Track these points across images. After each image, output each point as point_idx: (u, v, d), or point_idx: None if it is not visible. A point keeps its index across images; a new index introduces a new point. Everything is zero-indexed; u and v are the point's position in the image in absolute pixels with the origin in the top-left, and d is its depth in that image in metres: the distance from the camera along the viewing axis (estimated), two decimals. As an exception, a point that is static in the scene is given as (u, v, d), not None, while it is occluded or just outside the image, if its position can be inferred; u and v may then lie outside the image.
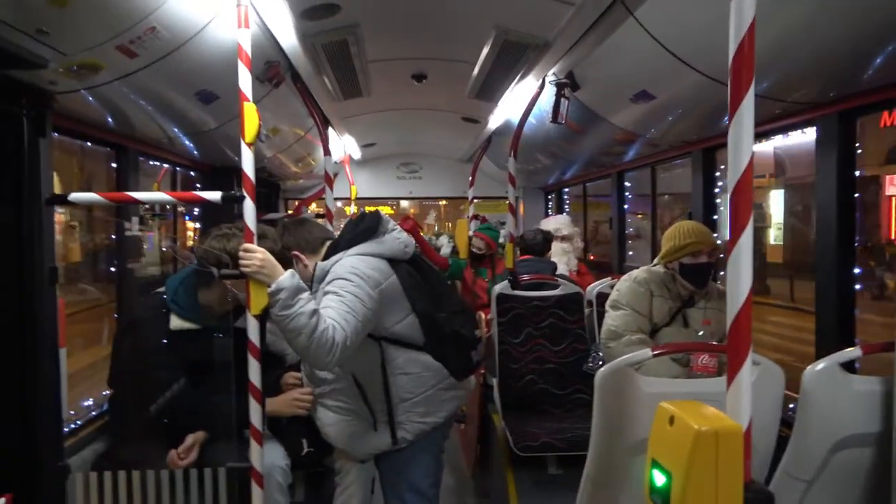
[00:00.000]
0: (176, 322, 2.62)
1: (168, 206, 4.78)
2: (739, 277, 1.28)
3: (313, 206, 6.96)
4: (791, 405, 2.45)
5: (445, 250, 6.91)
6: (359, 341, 2.20)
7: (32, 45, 1.93)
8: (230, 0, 2.41)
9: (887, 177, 8.59)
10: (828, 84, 2.48)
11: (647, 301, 3.10)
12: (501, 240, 5.71)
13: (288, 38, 2.84)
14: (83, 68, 2.24)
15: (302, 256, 2.55)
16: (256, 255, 2.16)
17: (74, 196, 2.37)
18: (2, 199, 2.34)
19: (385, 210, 8.82)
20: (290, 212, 6.92)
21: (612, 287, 3.69)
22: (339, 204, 7.63)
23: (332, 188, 4.14)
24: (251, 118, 2.33)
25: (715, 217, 3.75)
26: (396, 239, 2.48)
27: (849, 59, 2.23)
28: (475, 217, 6.78)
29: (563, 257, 5.05)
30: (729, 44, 1.25)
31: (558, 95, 3.52)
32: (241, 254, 2.21)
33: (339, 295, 2.21)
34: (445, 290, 2.68)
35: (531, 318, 3.77)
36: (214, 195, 2.43)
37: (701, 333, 3.01)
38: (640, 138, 3.94)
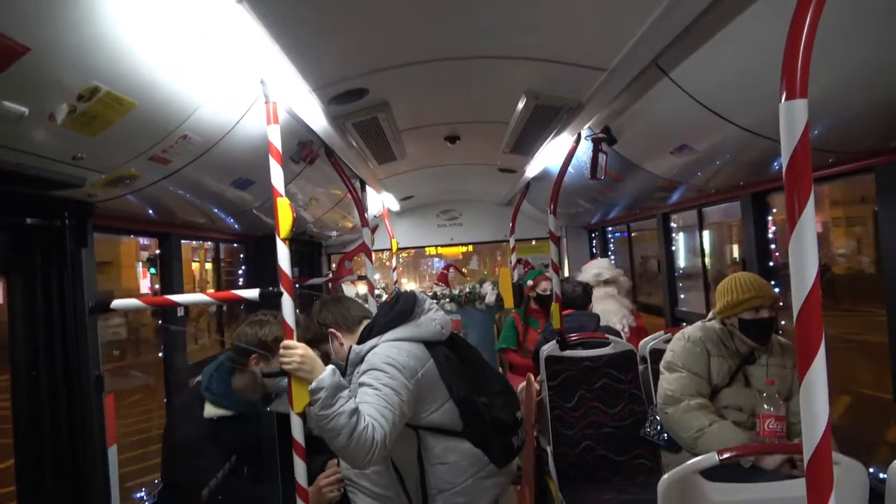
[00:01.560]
0: (210, 410, 2.58)
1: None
2: (813, 370, 1.11)
3: (354, 279, 6.90)
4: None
5: (490, 298, 6.81)
6: (396, 436, 2.13)
7: (68, 169, 1.96)
8: (259, 97, 2.43)
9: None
10: (888, 133, 2.33)
11: (704, 361, 2.95)
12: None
13: (318, 121, 2.85)
14: (120, 179, 2.27)
15: (339, 335, 2.51)
16: (297, 352, 2.13)
17: (117, 303, 2.39)
18: (48, 308, 2.38)
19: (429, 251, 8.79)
20: (331, 272, 6.92)
21: (665, 342, 3.54)
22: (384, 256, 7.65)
23: (371, 259, 4.10)
24: (285, 213, 2.32)
25: (771, 264, 3.57)
26: (433, 321, 2.43)
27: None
28: (518, 262, 6.69)
29: (607, 303, 4.89)
30: (781, 151, 1.15)
31: (595, 150, 3.44)
32: (281, 351, 2.20)
33: (376, 388, 2.15)
34: (486, 369, 2.59)
35: (583, 380, 3.62)
36: (252, 293, 2.42)
37: (765, 395, 2.84)
38: (684, 185, 3.81)
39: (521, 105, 3.08)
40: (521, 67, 2.64)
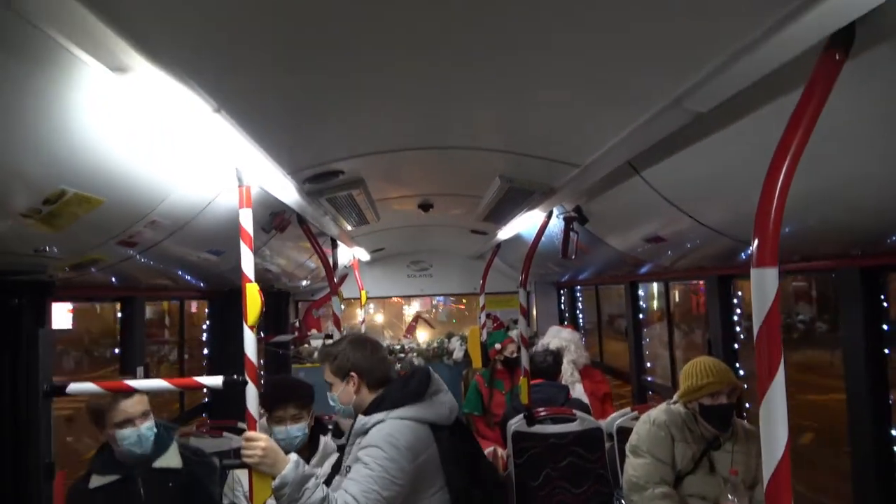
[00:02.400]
0: (95, 480, 2.45)
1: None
2: (774, 436, 1.13)
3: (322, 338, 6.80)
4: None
5: (458, 354, 6.76)
6: None
7: (28, 259, 1.90)
8: (231, 179, 2.40)
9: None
10: (852, 242, 2.40)
11: (668, 447, 2.95)
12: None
13: (292, 196, 2.82)
14: (84, 263, 2.22)
15: (357, 382, 2.40)
16: (259, 444, 2.07)
17: (73, 387, 2.30)
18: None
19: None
20: (298, 321, 6.81)
21: (633, 420, 3.54)
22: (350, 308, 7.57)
23: (338, 325, 4.03)
24: (254, 300, 2.28)
25: (736, 346, 3.62)
26: (442, 404, 2.38)
27: (873, 220, 2.16)
28: (488, 317, 6.67)
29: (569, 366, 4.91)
30: (753, 317, 1.17)
31: (566, 230, 3.48)
32: (243, 443, 2.13)
33: (370, 469, 2.10)
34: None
35: (549, 457, 3.60)
36: (216, 381, 2.36)
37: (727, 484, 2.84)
38: (651, 263, 3.87)
39: (494, 186, 3.11)
40: (496, 156, 2.67)
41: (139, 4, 1.09)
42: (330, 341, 5.86)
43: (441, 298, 12.92)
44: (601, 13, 1.32)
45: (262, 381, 2.89)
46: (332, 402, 2.47)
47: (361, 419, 2.30)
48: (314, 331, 6.55)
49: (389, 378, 2.45)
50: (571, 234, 3.45)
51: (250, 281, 2.29)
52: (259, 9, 1.22)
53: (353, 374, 2.39)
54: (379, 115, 2.21)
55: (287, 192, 2.76)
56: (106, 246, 2.14)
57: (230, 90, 1.53)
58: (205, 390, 4.70)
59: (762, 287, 1.15)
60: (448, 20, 1.35)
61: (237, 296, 2.29)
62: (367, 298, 6.96)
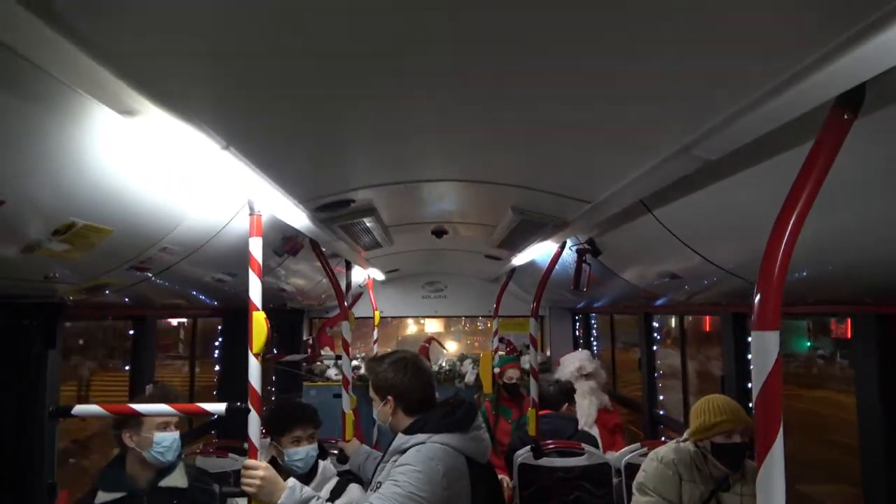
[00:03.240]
0: (100, 497, 2.48)
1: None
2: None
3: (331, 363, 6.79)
4: None
5: (469, 378, 6.71)
6: None
7: (39, 285, 1.93)
8: (243, 205, 2.43)
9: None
10: (867, 289, 2.35)
11: (675, 486, 2.89)
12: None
13: (303, 223, 2.84)
14: (95, 287, 2.24)
15: (393, 405, 2.37)
16: (258, 473, 2.09)
17: (78, 409, 2.31)
18: (5, 411, 2.30)
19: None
20: (309, 351, 6.81)
21: (642, 456, 3.48)
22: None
23: (346, 349, 4.02)
24: (260, 329, 2.29)
25: (750, 385, 3.54)
26: (482, 440, 2.34)
27: (884, 270, 2.12)
28: (501, 341, 6.62)
29: (583, 401, 4.83)
30: (753, 381, 1.15)
31: (579, 262, 3.45)
32: (242, 471, 2.15)
33: (399, 486, 2.08)
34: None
35: (556, 491, 3.55)
36: (219, 408, 2.36)
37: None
38: (665, 297, 3.82)
39: (507, 217, 3.10)
40: (509, 190, 2.66)
41: (144, 51, 1.11)
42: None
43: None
44: (614, 67, 1.32)
45: (273, 405, 2.89)
46: (374, 416, 2.50)
47: (401, 437, 2.28)
48: (327, 348, 6.54)
49: (430, 403, 2.39)
50: (584, 265, 3.42)
51: (258, 309, 2.30)
52: (265, 49, 1.23)
53: (389, 396, 2.37)
54: (390, 148, 2.21)
55: (299, 219, 2.77)
56: (118, 271, 2.16)
57: (239, 129, 1.55)
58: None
59: (762, 351, 1.12)
60: (462, 60, 1.34)
61: (249, 314, 2.31)
62: (382, 317, 6.97)
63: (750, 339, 3.47)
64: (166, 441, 2.55)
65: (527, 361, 5.75)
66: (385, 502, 2.04)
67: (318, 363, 6.94)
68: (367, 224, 3.14)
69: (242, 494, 2.18)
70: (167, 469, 2.60)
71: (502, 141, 2.07)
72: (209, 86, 1.35)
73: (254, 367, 2.29)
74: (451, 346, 10.23)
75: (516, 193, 2.76)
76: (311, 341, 7.19)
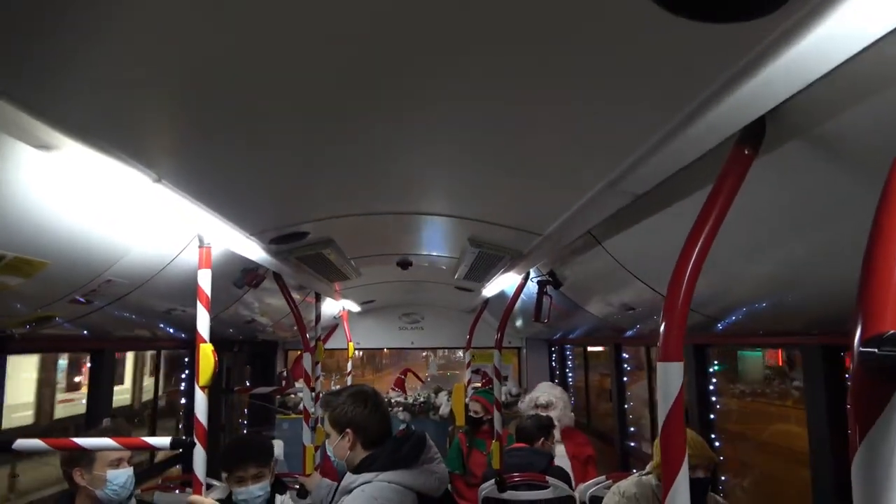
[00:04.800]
0: None
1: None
2: None
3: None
4: None
5: (444, 410, 6.65)
6: None
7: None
8: (193, 238, 2.42)
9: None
10: (812, 321, 2.38)
11: None
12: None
13: (260, 255, 2.84)
14: (37, 320, 2.23)
15: (353, 439, 2.32)
16: None
17: (20, 443, 2.27)
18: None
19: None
20: (283, 382, 6.75)
21: (606, 488, 3.44)
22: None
23: (308, 382, 3.99)
24: (206, 361, 2.27)
25: (712, 416, 3.55)
26: (433, 473, 2.30)
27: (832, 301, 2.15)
28: (476, 372, 6.59)
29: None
30: (658, 409, 1.16)
31: (540, 293, 3.47)
32: None
33: None
34: None
35: (520, 527, 3.50)
36: (163, 441, 2.33)
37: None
38: (632, 329, 3.83)
39: (466, 249, 3.12)
40: (464, 224, 2.68)
41: (55, 86, 1.12)
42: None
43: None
44: (545, 108, 1.35)
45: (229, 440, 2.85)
46: (329, 453, 2.44)
47: (349, 477, 2.25)
48: (301, 381, 6.47)
49: (387, 436, 2.36)
50: (545, 297, 3.43)
51: (205, 341, 2.29)
52: (192, 80, 1.23)
53: (348, 430, 2.32)
54: (342, 179, 2.22)
55: (254, 251, 2.78)
56: (60, 303, 2.15)
57: (170, 162, 1.56)
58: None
59: (667, 381, 1.13)
60: (408, 95, 1.36)
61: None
62: (356, 349, 6.90)
63: (712, 369, 3.48)
64: (120, 479, 2.47)
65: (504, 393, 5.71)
66: None
67: (292, 395, 6.86)
68: (326, 255, 3.15)
69: None
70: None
71: (456, 175, 2.10)
72: (136, 122, 1.35)
73: (200, 399, 2.27)
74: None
75: (473, 226, 2.79)
76: (284, 373, 7.12)
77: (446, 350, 13.58)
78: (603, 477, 3.74)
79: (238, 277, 3.26)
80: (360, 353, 8.93)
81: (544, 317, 3.42)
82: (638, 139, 1.38)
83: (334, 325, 6.98)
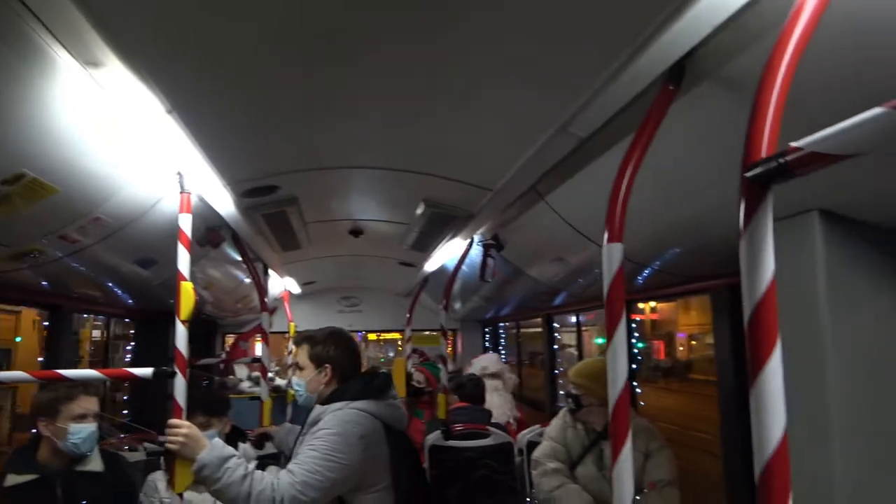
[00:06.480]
0: (11, 479, 2.48)
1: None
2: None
3: (248, 362, 6.82)
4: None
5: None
6: (317, 499, 2.13)
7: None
8: (174, 184, 2.59)
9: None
10: (718, 264, 2.80)
11: (564, 432, 3.23)
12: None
13: (229, 210, 3.02)
14: (24, 254, 2.34)
15: (331, 375, 2.48)
16: (181, 431, 2.14)
17: (2, 376, 2.38)
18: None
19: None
20: (225, 353, 6.81)
21: (540, 436, 3.80)
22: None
23: (268, 342, 4.17)
24: (188, 297, 2.44)
25: (635, 367, 3.98)
26: (398, 407, 2.50)
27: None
28: (414, 352, 6.87)
29: (493, 397, 5.14)
30: (603, 284, 1.49)
31: (485, 255, 3.79)
32: (166, 430, 2.19)
33: (315, 450, 2.18)
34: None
35: (464, 470, 3.80)
36: (146, 372, 2.48)
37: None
38: (564, 291, 4.22)
39: (420, 210, 3.40)
40: (421, 180, 2.96)
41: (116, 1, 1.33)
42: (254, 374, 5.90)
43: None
44: (493, 45, 1.64)
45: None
46: (296, 387, 2.55)
47: (318, 409, 2.39)
48: (241, 360, 6.56)
49: (358, 373, 2.54)
50: (489, 259, 3.76)
51: (185, 279, 2.46)
52: (217, 12, 1.45)
53: (328, 365, 2.48)
54: (308, 135, 2.45)
55: (224, 203, 2.96)
56: (49, 238, 2.28)
57: (185, 91, 1.76)
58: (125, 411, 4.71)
59: (611, 259, 1.46)
60: (381, 47, 1.64)
61: (164, 320, 2.43)
62: (296, 332, 7.02)
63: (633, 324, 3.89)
64: (82, 433, 2.53)
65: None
66: (303, 468, 2.15)
67: (231, 377, 6.93)
68: (289, 215, 3.36)
69: (167, 453, 2.28)
70: (82, 455, 2.59)
71: (411, 127, 2.36)
72: (166, 40, 1.52)
73: (181, 333, 2.44)
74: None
75: (427, 186, 3.07)
76: (223, 356, 7.16)
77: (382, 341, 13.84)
78: (538, 426, 4.12)
79: (201, 235, 3.41)
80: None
81: (489, 276, 3.75)
82: (586, 79, 1.70)
83: (274, 308, 7.09)
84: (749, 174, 0.95)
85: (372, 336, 10.34)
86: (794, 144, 0.86)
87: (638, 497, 3.03)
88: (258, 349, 5.05)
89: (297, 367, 2.57)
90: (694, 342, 14.82)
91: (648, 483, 3.01)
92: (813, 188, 1.75)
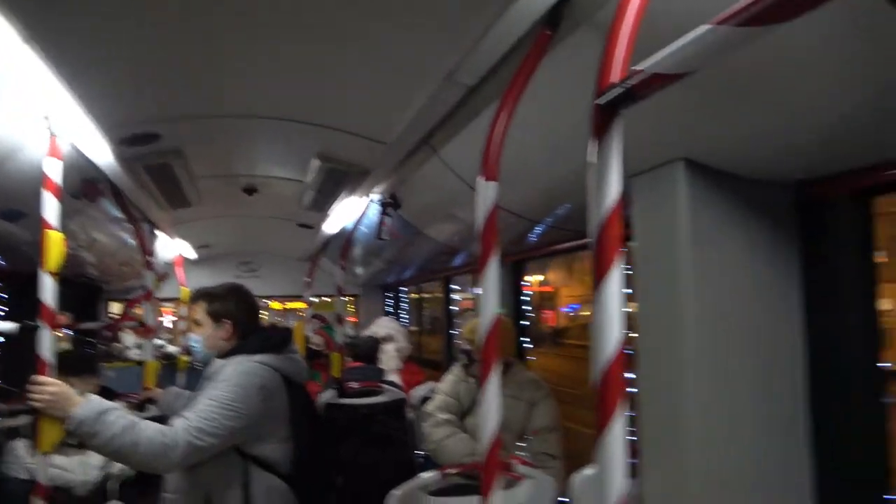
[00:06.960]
0: None
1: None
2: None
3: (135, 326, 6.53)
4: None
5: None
6: (214, 444, 2.11)
7: None
8: (39, 127, 2.41)
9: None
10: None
11: (457, 386, 3.38)
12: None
13: (106, 159, 2.85)
14: None
15: (231, 331, 2.45)
16: (48, 389, 2.02)
17: None
18: None
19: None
20: (111, 318, 6.48)
21: (433, 391, 3.91)
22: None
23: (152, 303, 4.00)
24: (55, 247, 2.30)
25: (524, 323, 4.14)
26: (297, 360, 2.49)
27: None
28: (314, 317, 6.80)
29: (388, 355, 5.24)
30: (476, 219, 1.54)
31: (382, 214, 3.79)
32: (30, 387, 2.05)
33: (213, 399, 2.15)
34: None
35: (359, 426, 3.85)
36: (11, 326, 2.34)
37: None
38: (461, 251, 4.30)
39: (314, 165, 3.35)
40: (313, 132, 2.91)
41: None
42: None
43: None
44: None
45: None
46: (193, 343, 2.51)
47: (217, 362, 2.35)
48: (127, 325, 6.26)
49: (255, 334, 2.50)
50: (386, 217, 3.76)
51: (52, 228, 2.30)
52: None
53: (227, 321, 2.45)
54: (192, 77, 2.34)
55: (101, 152, 2.79)
56: None
57: (42, 14, 1.63)
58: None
59: (485, 196, 1.51)
60: None
61: (26, 280, 2.26)
62: (189, 298, 6.76)
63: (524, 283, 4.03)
64: None
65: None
66: (199, 415, 2.11)
67: (116, 343, 6.61)
68: (175, 169, 3.21)
69: (31, 411, 2.15)
70: None
71: (301, 75, 2.32)
72: None
73: (48, 285, 2.29)
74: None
75: (321, 139, 3.02)
76: (108, 321, 6.82)
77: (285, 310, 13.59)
78: (431, 382, 4.22)
79: (77, 188, 3.19)
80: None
81: (386, 234, 3.76)
82: (464, 24, 1.72)
83: (165, 274, 6.78)
84: (599, 100, 1.01)
85: (276, 304, 10.13)
86: (636, 67, 0.92)
87: (523, 443, 3.20)
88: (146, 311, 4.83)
89: (196, 323, 2.52)
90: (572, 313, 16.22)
91: (532, 430, 3.19)
92: (680, 138, 1.86)
